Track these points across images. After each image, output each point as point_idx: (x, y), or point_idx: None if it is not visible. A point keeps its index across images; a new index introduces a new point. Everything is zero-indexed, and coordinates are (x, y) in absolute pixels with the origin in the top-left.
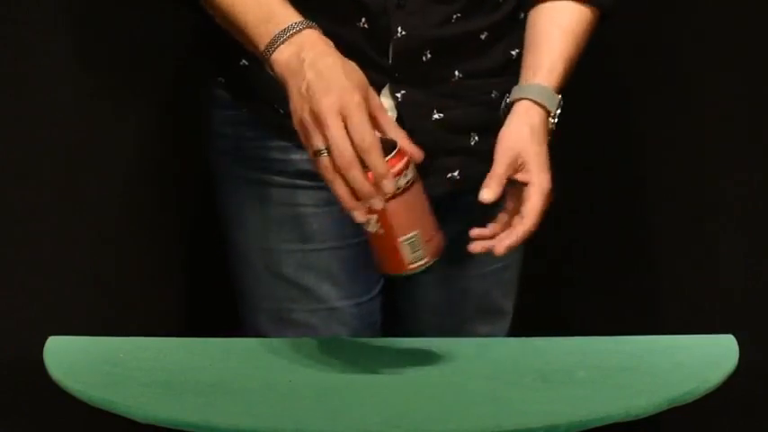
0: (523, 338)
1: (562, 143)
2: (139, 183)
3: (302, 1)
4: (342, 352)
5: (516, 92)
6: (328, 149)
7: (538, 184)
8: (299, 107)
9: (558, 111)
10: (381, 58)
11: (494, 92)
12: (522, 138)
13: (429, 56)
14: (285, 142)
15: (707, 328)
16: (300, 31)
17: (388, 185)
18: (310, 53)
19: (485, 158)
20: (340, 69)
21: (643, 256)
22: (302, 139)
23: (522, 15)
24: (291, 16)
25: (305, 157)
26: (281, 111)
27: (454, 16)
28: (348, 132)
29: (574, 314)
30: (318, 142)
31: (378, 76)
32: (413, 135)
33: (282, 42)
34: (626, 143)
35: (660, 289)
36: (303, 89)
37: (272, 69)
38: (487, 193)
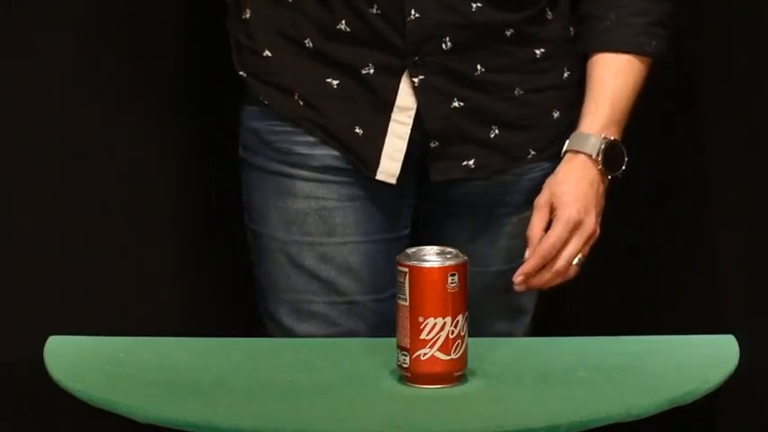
0: (523, 338)
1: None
2: (140, 183)
3: None
4: (342, 352)
5: (565, 145)
6: None
7: (559, 216)
8: None
9: (603, 146)
10: (398, 40)
11: (517, 89)
12: (555, 180)
13: (449, 44)
14: (311, 137)
15: (707, 328)
16: None
17: None
18: None
19: (502, 152)
20: None
21: (643, 256)
22: None
23: (551, 15)
24: None
25: (330, 152)
26: (301, 102)
27: (474, 5)
28: None
29: (574, 314)
30: None
31: (395, 61)
32: (427, 119)
33: None
34: (626, 143)
35: (660, 289)
36: None
37: None
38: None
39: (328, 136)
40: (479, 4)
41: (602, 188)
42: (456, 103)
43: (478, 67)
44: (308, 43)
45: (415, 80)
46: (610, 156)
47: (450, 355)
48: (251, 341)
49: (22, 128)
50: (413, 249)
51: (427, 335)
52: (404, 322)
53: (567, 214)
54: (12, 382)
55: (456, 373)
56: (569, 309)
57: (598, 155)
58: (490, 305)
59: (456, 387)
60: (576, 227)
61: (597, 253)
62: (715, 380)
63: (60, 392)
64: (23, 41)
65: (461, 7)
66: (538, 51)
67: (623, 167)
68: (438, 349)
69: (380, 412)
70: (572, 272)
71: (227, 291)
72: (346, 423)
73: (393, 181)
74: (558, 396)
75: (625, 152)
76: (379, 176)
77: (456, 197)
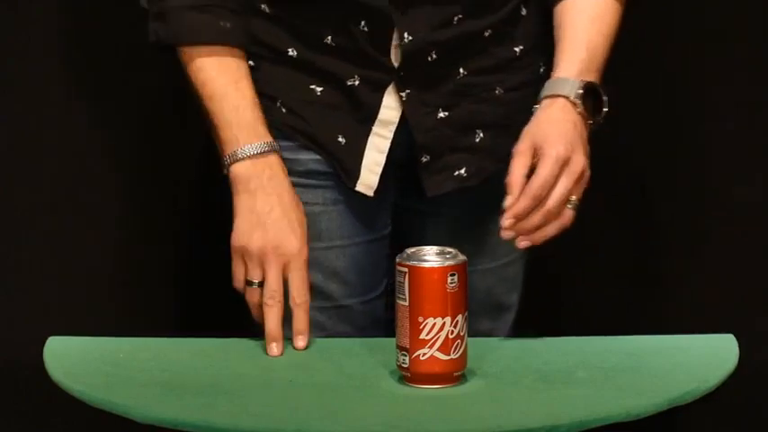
0: (523, 338)
1: None
2: (140, 183)
3: (303, 3)
4: (342, 352)
5: (540, 93)
6: (261, 283)
7: (547, 154)
8: (246, 233)
9: (580, 91)
10: (384, 58)
11: (498, 88)
12: (535, 124)
13: (434, 56)
14: (291, 142)
15: (707, 328)
16: (266, 153)
17: (301, 342)
18: (272, 182)
19: (490, 155)
20: (294, 213)
21: (643, 256)
22: (236, 260)
23: (525, 12)
24: (263, 134)
25: (313, 156)
26: (283, 109)
27: (455, 18)
28: (286, 279)
29: (574, 314)
30: (255, 275)
31: (381, 76)
32: (417, 133)
33: (248, 157)
34: (626, 143)
35: (660, 289)
36: (255, 217)
37: (229, 177)
38: (508, 176)
39: (312, 142)
40: (460, 16)
41: (585, 132)
42: (441, 114)
43: (461, 70)
44: (292, 52)
45: (403, 94)
46: (589, 98)
47: (449, 354)
48: (251, 341)
49: (21, 129)
50: (412, 249)
51: (427, 335)
52: (403, 322)
53: (554, 151)
54: (12, 382)
55: (456, 373)
56: (569, 309)
57: (577, 97)
58: (474, 304)
59: (456, 387)
60: (564, 163)
61: (598, 253)
62: (714, 380)
63: (60, 392)
64: (21, 42)
65: (446, 22)
66: (517, 49)
67: (605, 110)
68: (438, 349)
69: (380, 412)
70: (567, 215)
71: (226, 291)
72: (346, 423)
73: (370, 193)
74: (558, 396)
75: (604, 95)
76: (359, 188)
77: (444, 199)
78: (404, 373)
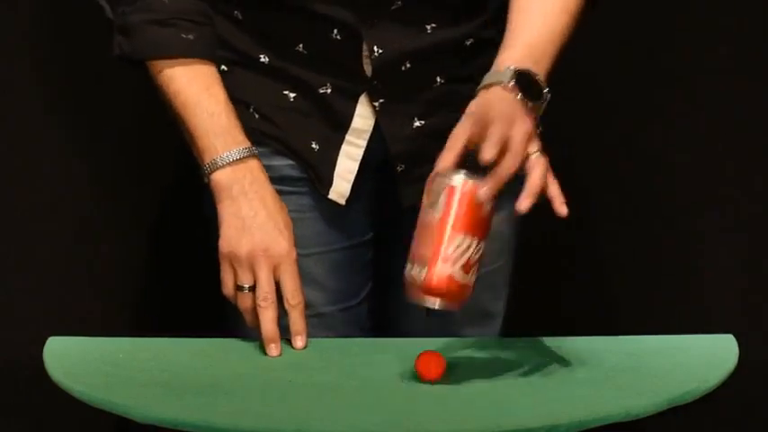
0: (523, 338)
1: (561, 144)
2: (141, 183)
3: (273, 11)
4: (342, 352)
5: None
6: (251, 288)
7: (491, 118)
8: (234, 239)
9: (513, 80)
10: (357, 67)
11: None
12: (473, 105)
13: (408, 65)
14: (264, 148)
15: (707, 328)
16: (246, 158)
17: (300, 342)
18: (254, 186)
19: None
20: (279, 215)
21: (643, 256)
22: (225, 267)
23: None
24: (241, 140)
25: (287, 161)
26: (256, 115)
27: (428, 27)
28: (278, 281)
29: (574, 314)
30: (246, 279)
31: (354, 85)
32: (391, 143)
33: (228, 164)
34: (625, 143)
35: (660, 289)
36: (240, 222)
37: (210, 185)
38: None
39: (285, 148)
40: (433, 24)
41: (527, 111)
42: (417, 122)
43: (438, 79)
44: (263, 58)
45: (376, 104)
46: (525, 84)
47: (467, 275)
48: (250, 341)
49: (22, 129)
50: (456, 167)
51: (454, 251)
52: (430, 233)
53: (498, 113)
54: (12, 382)
55: (463, 299)
56: (569, 309)
57: (510, 82)
58: (460, 312)
59: (456, 387)
60: (511, 122)
61: (597, 253)
62: (714, 380)
63: (60, 392)
64: (21, 42)
65: (418, 32)
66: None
67: (546, 97)
68: (460, 267)
69: (380, 412)
70: (537, 161)
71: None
72: (346, 423)
73: (342, 201)
74: (558, 396)
75: (542, 83)
76: (331, 196)
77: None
78: (412, 286)
